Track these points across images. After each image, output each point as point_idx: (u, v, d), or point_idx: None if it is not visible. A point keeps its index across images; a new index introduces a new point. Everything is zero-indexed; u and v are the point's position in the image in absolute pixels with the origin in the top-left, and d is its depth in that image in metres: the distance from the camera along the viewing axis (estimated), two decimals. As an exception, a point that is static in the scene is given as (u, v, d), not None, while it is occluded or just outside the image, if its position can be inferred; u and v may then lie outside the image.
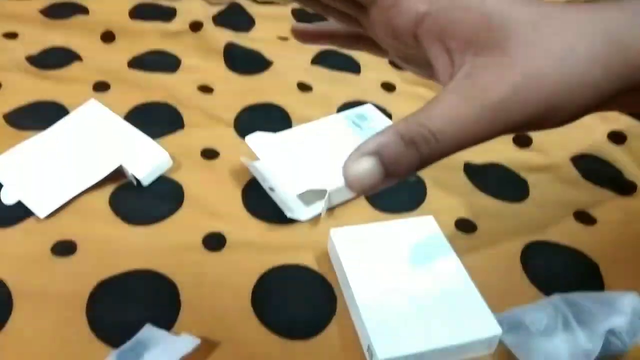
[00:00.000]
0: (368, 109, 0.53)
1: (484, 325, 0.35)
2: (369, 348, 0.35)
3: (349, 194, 0.46)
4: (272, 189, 0.46)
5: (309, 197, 0.44)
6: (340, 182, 0.45)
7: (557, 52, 0.22)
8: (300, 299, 0.38)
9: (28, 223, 0.42)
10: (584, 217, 0.46)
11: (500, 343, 0.36)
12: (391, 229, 0.41)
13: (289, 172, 0.44)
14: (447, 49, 0.24)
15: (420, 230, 0.41)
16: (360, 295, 0.36)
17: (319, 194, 0.44)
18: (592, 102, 0.23)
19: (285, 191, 0.45)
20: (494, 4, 0.23)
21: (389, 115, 0.55)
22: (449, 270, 0.39)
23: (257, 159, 0.47)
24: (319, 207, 0.44)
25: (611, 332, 0.35)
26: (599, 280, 0.42)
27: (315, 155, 0.47)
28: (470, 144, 0.23)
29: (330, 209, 0.46)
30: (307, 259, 0.41)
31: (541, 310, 0.36)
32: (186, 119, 0.53)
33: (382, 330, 0.35)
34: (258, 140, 0.46)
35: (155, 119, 0.52)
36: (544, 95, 0.22)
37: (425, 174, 0.49)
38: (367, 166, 0.23)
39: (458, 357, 0.35)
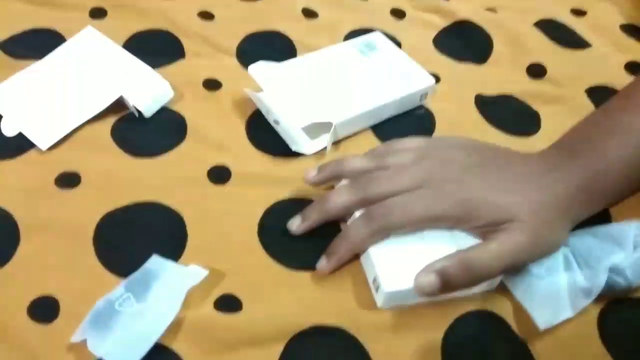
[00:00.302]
0: (377, 37, 0.51)
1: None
2: (374, 280, 0.35)
3: (355, 127, 0.45)
4: (276, 122, 0.45)
5: (314, 129, 0.43)
6: (346, 114, 0.44)
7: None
8: (306, 232, 0.38)
9: (30, 155, 0.42)
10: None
11: (501, 284, 0.36)
12: None
13: (293, 104, 0.43)
14: None
15: None
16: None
17: (324, 126, 0.43)
18: None
19: (290, 124, 0.44)
20: None
21: (399, 44, 0.53)
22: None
23: (260, 90, 0.45)
24: (324, 140, 0.43)
25: (613, 269, 0.35)
26: (606, 212, 0.41)
27: (321, 86, 0.45)
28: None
29: (336, 142, 0.45)
30: (313, 192, 0.40)
31: None
32: (187, 47, 0.51)
33: (388, 263, 0.35)
34: (261, 70, 0.45)
35: (155, 48, 0.50)
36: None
37: (435, 105, 0.48)
38: (430, 280, 0.33)
39: (462, 294, 0.36)
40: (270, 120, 0.45)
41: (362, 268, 0.37)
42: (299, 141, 0.43)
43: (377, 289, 0.35)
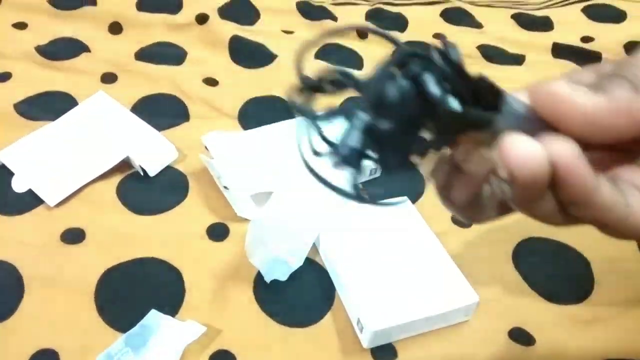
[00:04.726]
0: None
1: (463, 294, 0.38)
2: (358, 322, 0.36)
3: None
4: (226, 188, 0.46)
5: (261, 197, 0.44)
6: (290, 184, 0.43)
7: None
8: (300, 288, 0.40)
9: (39, 211, 0.44)
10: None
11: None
12: (371, 211, 0.42)
13: (241, 172, 0.45)
14: None
15: (397, 209, 0.43)
16: (347, 274, 0.38)
17: (271, 195, 0.43)
18: None
19: (237, 191, 0.44)
20: None
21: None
22: (427, 244, 0.41)
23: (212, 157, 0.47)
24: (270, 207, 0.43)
25: None
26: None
27: (270, 157, 0.46)
28: None
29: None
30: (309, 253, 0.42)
31: None
32: (191, 111, 0.54)
33: (370, 302, 0.36)
34: (214, 139, 0.47)
35: (162, 111, 0.53)
36: None
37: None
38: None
39: (441, 324, 0.37)
40: (221, 185, 0.46)
41: (344, 309, 0.38)
42: (245, 207, 0.44)
43: (361, 329, 0.36)
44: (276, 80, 0.58)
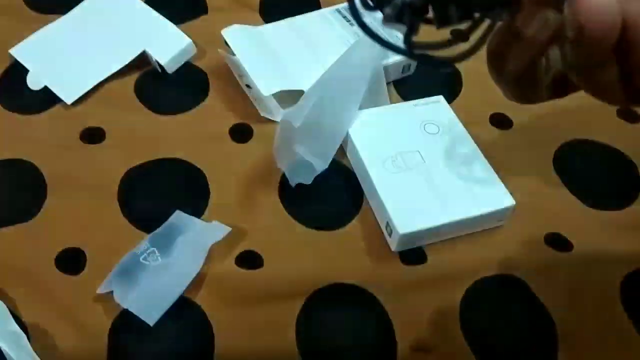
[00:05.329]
0: None
1: (498, 197, 0.36)
2: (387, 225, 0.35)
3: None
4: (248, 86, 0.43)
5: (285, 97, 0.41)
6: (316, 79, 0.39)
7: None
8: (327, 191, 0.38)
9: (56, 109, 0.42)
10: (627, 115, 0.44)
11: (524, 249, 0.36)
12: (404, 110, 0.41)
13: (265, 70, 0.41)
14: None
15: (432, 109, 0.41)
16: (377, 176, 0.37)
17: (296, 94, 0.40)
18: None
19: (260, 89, 0.41)
20: None
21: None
22: (462, 147, 0.38)
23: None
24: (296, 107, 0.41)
25: None
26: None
27: (295, 53, 0.43)
28: None
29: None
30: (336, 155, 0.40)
31: None
32: (210, 2, 0.50)
33: (400, 207, 0.35)
34: (235, 34, 0.43)
35: (179, 3, 0.50)
36: None
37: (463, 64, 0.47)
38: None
39: (473, 229, 0.36)
40: (243, 84, 0.44)
41: (374, 213, 0.37)
42: (269, 107, 0.42)
43: (390, 233, 0.35)
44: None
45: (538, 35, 0.21)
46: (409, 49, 0.19)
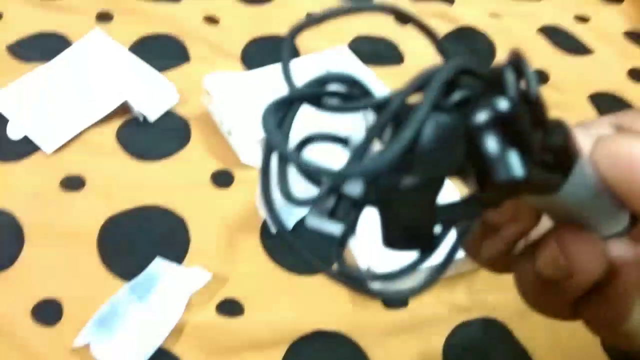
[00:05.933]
0: (342, 56, 0.49)
1: None
2: (368, 270, 0.35)
3: None
4: (229, 133, 0.43)
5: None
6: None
7: None
8: (309, 236, 0.39)
9: (35, 158, 0.42)
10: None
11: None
12: None
13: (245, 116, 0.42)
14: None
15: None
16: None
17: None
18: None
19: (241, 136, 0.42)
20: None
21: (400, 57, 0.53)
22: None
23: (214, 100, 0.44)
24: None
25: None
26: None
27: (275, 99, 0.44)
28: None
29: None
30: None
31: None
32: (192, 52, 0.51)
33: (380, 252, 0.35)
34: (215, 81, 0.44)
35: (161, 52, 0.50)
36: None
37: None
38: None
39: (450, 273, 0.36)
40: (224, 131, 0.44)
41: (354, 257, 0.37)
42: (249, 154, 0.42)
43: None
44: (281, 18, 0.55)
45: (513, 232, 0.19)
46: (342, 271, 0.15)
